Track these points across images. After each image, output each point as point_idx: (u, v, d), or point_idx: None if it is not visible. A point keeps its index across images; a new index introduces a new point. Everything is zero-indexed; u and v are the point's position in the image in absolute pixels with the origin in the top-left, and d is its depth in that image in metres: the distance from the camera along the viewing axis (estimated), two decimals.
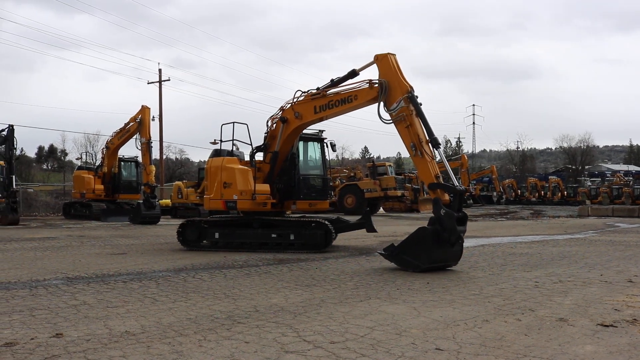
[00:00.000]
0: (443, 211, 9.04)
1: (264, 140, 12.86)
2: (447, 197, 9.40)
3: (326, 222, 12.34)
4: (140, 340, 4.83)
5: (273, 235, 12.45)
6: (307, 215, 13.17)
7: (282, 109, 12.44)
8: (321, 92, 11.60)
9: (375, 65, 10.71)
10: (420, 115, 9.98)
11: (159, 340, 4.83)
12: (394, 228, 15.18)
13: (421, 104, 10.06)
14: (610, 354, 4.49)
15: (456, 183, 9.58)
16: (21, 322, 5.47)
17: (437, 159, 10.14)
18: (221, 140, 13.14)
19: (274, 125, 12.61)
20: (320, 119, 12.03)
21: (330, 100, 11.46)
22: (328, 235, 12.30)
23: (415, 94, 10.15)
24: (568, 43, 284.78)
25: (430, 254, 9.16)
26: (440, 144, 10.06)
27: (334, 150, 13.72)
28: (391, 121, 10.28)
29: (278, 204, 12.68)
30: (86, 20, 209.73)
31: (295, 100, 12.11)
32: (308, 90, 11.94)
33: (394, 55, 10.59)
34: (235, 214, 12.87)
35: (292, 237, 12.40)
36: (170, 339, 4.85)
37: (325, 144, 13.69)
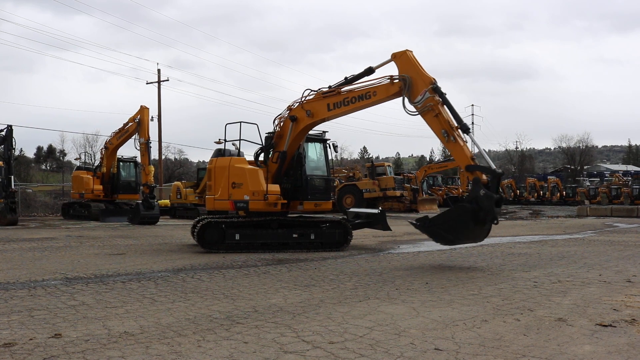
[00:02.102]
0: (482, 192, 9.50)
1: (265, 140, 12.94)
2: (484, 177, 9.84)
3: (344, 221, 12.68)
4: (139, 340, 4.83)
5: (294, 235, 12.44)
6: (316, 215, 13.30)
7: (289, 108, 12.54)
8: (335, 90, 11.73)
9: (392, 62, 11.09)
10: (447, 103, 10.45)
11: (157, 340, 4.83)
12: (394, 228, 15.16)
13: (445, 94, 10.47)
14: (609, 354, 4.50)
15: (493, 166, 10.07)
16: (20, 323, 5.46)
17: (467, 143, 10.66)
18: (225, 140, 13.11)
19: (281, 124, 12.71)
20: (334, 116, 12.10)
21: (345, 97, 11.62)
22: (347, 233, 12.53)
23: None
24: (566, 43, 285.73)
25: (464, 231, 9.79)
26: (469, 129, 10.59)
27: (336, 151, 13.83)
28: (417, 113, 10.69)
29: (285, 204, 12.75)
30: (85, 20, 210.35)
31: (304, 99, 12.24)
32: (319, 89, 12.07)
33: (411, 51, 10.98)
34: (238, 215, 12.84)
35: (312, 236, 12.45)
36: (169, 339, 4.85)
37: (328, 145, 13.77)
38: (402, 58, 10.95)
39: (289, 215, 12.86)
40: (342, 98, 11.67)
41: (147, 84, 42.99)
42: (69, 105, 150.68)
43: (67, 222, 24.66)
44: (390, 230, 13.74)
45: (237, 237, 12.25)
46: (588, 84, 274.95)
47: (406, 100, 10.77)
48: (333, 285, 7.82)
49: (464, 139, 10.42)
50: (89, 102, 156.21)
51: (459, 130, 10.32)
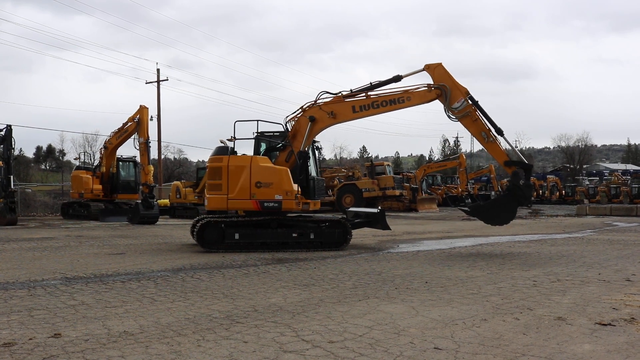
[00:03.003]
0: (522, 181, 11.88)
1: (256, 140, 13.05)
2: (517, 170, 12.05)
3: (344, 221, 12.73)
4: (139, 340, 4.83)
5: (294, 235, 12.45)
6: (315, 214, 13.35)
7: (303, 108, 12.84)
8: (364, 93, 12.57)
9: (422, 72, 12.48)
10: (481, 109, 12.14)
11: (157, 340, 4.83)
12: (393, 227, 15.18)
13: (478, 101, 12.16)
14: (609, 353, 4.50)
15: (525, 160, 12.52)
16: (19, 322, 5.46)
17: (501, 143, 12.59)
18: (235, 138, 13.02)
19: (293, 124, 12.90)
20: (358, 118, 12.84)
21: (374, 100, 12.52)
22: (346, 232, 12.57)
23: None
24: (565, 43, 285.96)
25: (509, 214, 12.05)
26: (502, 131, 12.23)
27: (320, 153, 14.06)
28: (456, 118, 12.30)
29: None
30: (85, 20, 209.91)
31: (320, 100, 12.69)
32: (339, 92, 12.75)
33: (442, 64, 12.40)
34: (233, 214, 12.83)
35: (312, 236, 12.47)
36: (169, 339, 4.85)
37: (315, 147, 13.89)
38: (438, 69, 12.30)
39: (288, 215, 12.86)
40: (371, 101, 12.51)
41: (146, 83, 43.02)
42: (68, 105, 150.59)
43: (67, 222, 24.65)
44: (390, 229, 13.78)
45: (237, 236, 12.21)
46: (587, 84, 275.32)
47: (443, 106, 12.30)
48: (332, 284, 7.83)
49: (498, 140, 12.27)
50: (89, 102, 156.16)
51: (493, 132, 12.08)
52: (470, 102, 12.06)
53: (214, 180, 12.54)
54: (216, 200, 12.45)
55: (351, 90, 12.67)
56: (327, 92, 12.84)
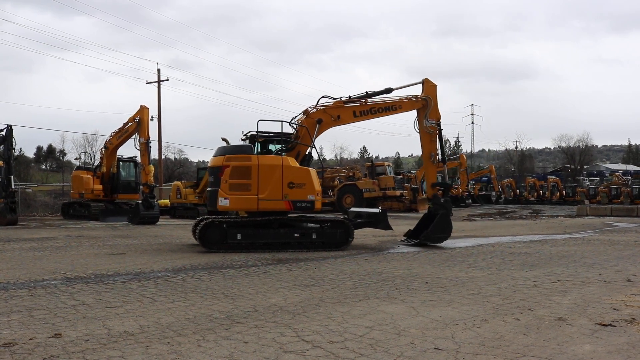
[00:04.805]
0: (443, 200, 14.13)
1: (250, 139, 13.23)
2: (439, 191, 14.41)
3: (346, 221, 12.88)
4: (139, 340, 4.83)
5: (296, 235, 12.50)
6: (317, 215, 13.39)
7: (307, 112, 13.51)
8: (362, 100, 13.83)
9: (419, 85, 14.31)
10: (441, 137, 14.42)
11: (157, 340, 4.83)
12: (394, 227, 15.16)
13: (442, 129, 14.46)
14: (609, 354, 4.50)
15: (447, 181, 15.16)
16: (20, 323, 5.46)
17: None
18: (258, 134, 12.94)
19: (300, 125, 13.30)
20: (357, 122, 14.09)
21: (372, 107, 13.95)
22: (348, 233, 12.66)
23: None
24: (564, 44, 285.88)
25: (449, 227, 13.99)
26: (447, 161, 14.89)
27: (319, 153, 14.51)
28: (420, 131, 14.24)
29: None
30: (85, 21, 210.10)
31: (323, 104, 13.51)
32: (340, 97, 13.74)
33: (436, 85, 14.31)
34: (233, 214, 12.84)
35: (314, 236, 12.52)
36: (169, 339, 4.85)
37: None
38: (432, 88, 14.21)
39: (289, 215, 12.86)
40: (369, 107, 13.90)
41: (147, 83, 43.03)
42: (69, 105, 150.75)
43: (67, 222, 24.66)
44: (392, 229, 13.90)
45: (239, 236, 12.18)
46: (587, 84, 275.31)
47: (416, 117, 14.24)
48: (333, 284, 7.82)
49: (440, 166, 14.51)
50: (89, 102, 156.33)
51: (439, 158, 14.37)
52: (438, 127, 14.18)
53: (240, 179, 12.11)
54: (243, 201, 12.15)
55: (349, 96, 13.76)
56: (328, 97, 13.74)
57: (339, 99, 13.73)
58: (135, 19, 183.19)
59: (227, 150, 12.66)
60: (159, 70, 42.53)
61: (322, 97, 13.70)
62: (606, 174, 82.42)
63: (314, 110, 13.49)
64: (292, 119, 13.45)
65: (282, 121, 13.03)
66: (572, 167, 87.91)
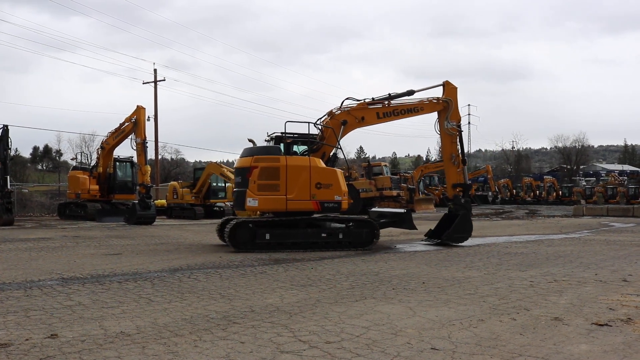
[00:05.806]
0: (463, 200, 14.32)
1: (276, 140, 13.33)
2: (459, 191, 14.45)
3: (372, 221, 13.11)
4: (136, 340, 4.82)
5: (323, 235, 12.60)
6: (342, 215, 13.49)
7: (331, 113, 13.65)
8: (385, 102, 14.04)
9: (440, 87, 14.52)
10: (461, 140, 14.59)
11: (154, 340, 4.82)
12: (390, 228, 15.21)
13: (462, 131, 14.72)
14: (605, 353, 4.51)
15: (467, 181, 14.81)
16: (16, 323, 5.44)
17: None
18: (285, 134, 13.12)
19: (327, 127, 13.45)
20: (380, 123, 14.26)
21: (395, 108, 14.17)
22: (374, 232, 12.85)
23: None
24: (560, 45, 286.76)
25: (470, 227, 14.26)
26: (466, 163, 14.90)
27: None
28: (442, 133, 14.48)
29: None
30: (82, 21, 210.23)
31: (347, 106, 13.72)
32: (364, 99, 13.95)
33: (457, 88, 14.60)
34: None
35: (340, 236, 12.66)
36: (166, 340, 4.84)
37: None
38: (453, 90, 14.49)
39: (314, 216, 12.92)
40: (392, 109, 14.11)
41: (143, 84, 42.99)
42: (65, 105, 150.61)
43: (64, 222, 24.61)
44: (416, 229, 14.36)
45: (268, 236, 12.27)
46: (583, 85, 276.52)
47: (437, 118, 14.48)
48: (330, 285, 7.83)
49: (462, 167, 14.53)
50: (86, 102, 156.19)
51: (460, 159, 14.45)
52: (459, 129, 14.44)
53: (268, 180, 12.24)
54: (272, 201, 12.29)
55: (373, 98, 13.98)
56: (352, 98, 13.94)
57: (362, 101, 13.89)
58: (131, 19, 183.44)
59: (255, 151, 12.77)
60: (155, 70, 42.51)
61: (346, 98, 13.90)
62: (602, 174, 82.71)
63: (339, 111, 13.70)
64: (317, 120, 13.61)
65: (308, 122, 13.22)
66: (568, 167, 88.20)
